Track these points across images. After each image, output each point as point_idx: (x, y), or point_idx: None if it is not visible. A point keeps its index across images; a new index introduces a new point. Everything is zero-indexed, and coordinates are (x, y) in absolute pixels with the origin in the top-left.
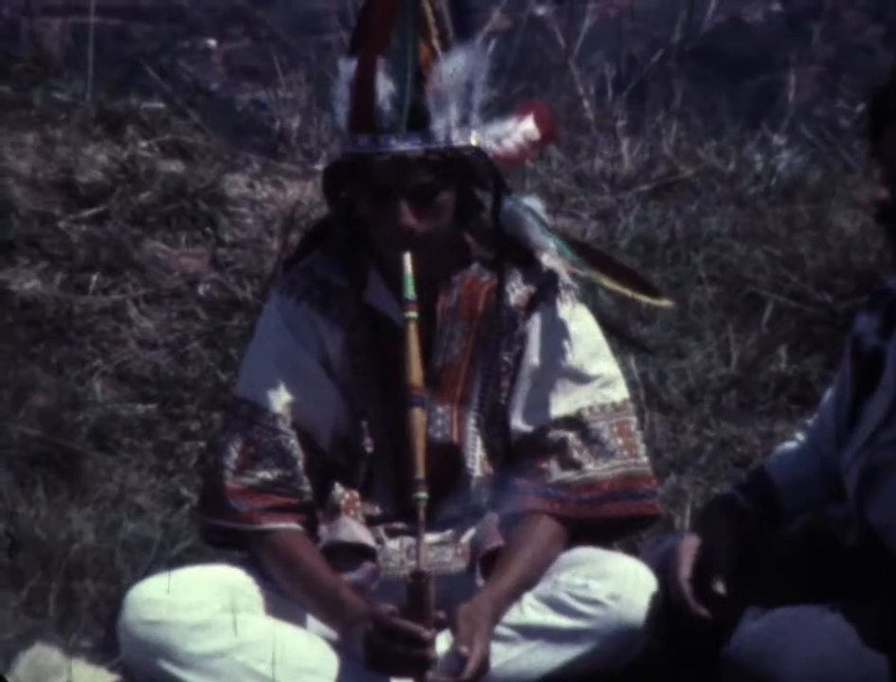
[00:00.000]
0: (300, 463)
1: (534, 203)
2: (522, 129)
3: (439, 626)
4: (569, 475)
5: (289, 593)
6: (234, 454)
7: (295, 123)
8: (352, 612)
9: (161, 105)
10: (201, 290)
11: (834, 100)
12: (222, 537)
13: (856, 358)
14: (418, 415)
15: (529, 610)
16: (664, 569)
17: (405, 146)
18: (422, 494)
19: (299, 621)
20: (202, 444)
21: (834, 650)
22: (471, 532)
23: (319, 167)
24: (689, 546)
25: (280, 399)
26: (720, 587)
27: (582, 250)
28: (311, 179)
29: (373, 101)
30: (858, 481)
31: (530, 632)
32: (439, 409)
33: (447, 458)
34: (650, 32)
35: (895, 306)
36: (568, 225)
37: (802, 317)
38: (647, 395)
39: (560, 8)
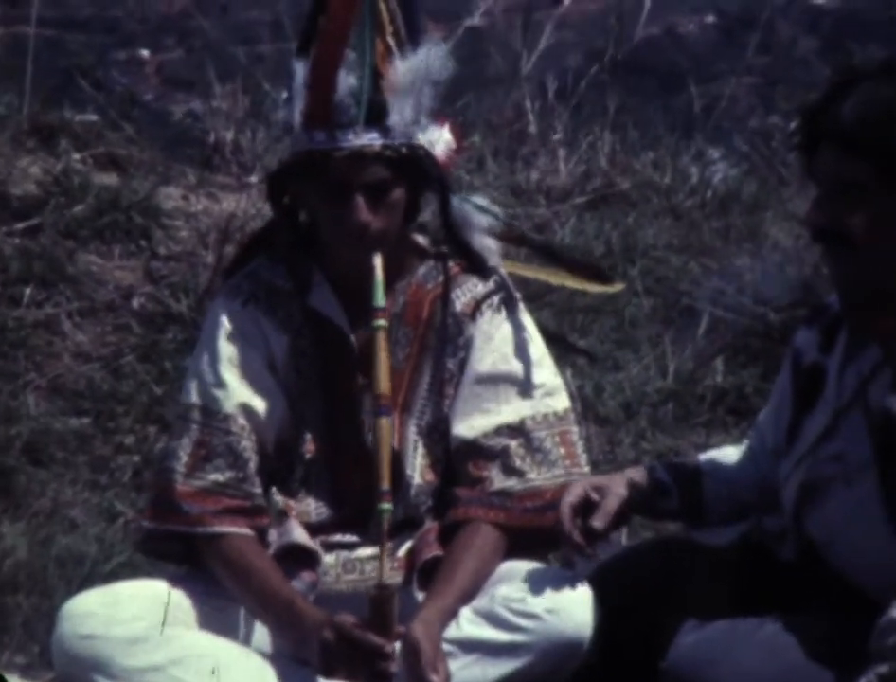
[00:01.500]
0: (252, 465)
1: (481, 200)
2: (446, 137)
3: (400, 639)
4: (512, 482)
5: (242, 601)
6: (184, 457)
7: (229, 135)
8: (310, 620)
9: (95, 117)
10: (135, 303)
11: (770, 113)
12: (164, 546)
13: (796, 373)
14: (384, 425)
15: (466, 624)
16: (601, 581)
17: (363, 140)
18: (386, 506)
19: (236, 637)
20: (136, 458)
21: (771, 663)
22: (408, 544)
23: (254, 179)
24: (589, 481)
25: (231, 400)
26: (597, 523)
27: (530, 244)
28: (245, 191)
29: (332, 96)
30: (797, 495)
31: (467, 646)
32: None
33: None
34: (587, 45)
35: (836, 323)
36: None
37: (738, 329)
38: (584, 408)
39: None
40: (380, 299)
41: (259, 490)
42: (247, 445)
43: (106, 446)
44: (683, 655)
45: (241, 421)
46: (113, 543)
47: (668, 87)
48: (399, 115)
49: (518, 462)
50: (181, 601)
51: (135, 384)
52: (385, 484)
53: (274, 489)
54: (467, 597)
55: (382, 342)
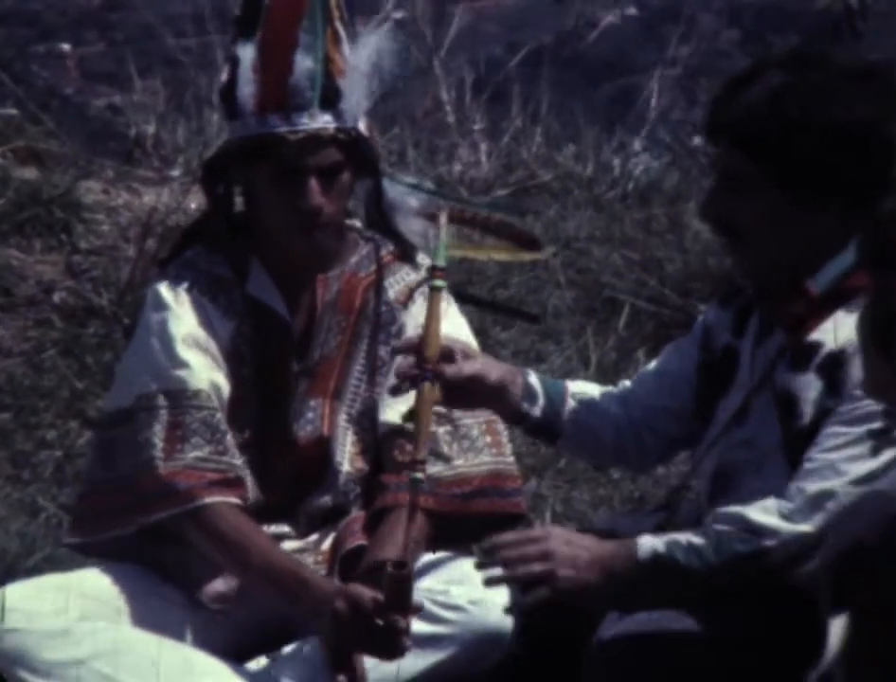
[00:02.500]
0: (228, 437)
1: (411, 178)
2: (366, 124)
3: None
4: (439, 468)
5: (241, 575)
6: (159, 443)
7: (150, 129)
8: (320, 590)
9: (14, 111)
10: (56, 297)
11: (692, 105)
12: (108, 545)
13: (706, 351)
14: (427, 390)
15: None
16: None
17: (319, 123)
18: (419, 475)
19: (162, 629)
20: (58, 453)
21: (693, 653)
22: (332, 537)
23: (175, 173)
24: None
25: (197, 376)
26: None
27: (460, 218)
28: (167, 185)
29: (287, 79)
30: (711, 482)
31: None
32: (312, 402)
33: (316, 453)
34: (510, 36)
35: (749, 306)
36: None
37: (660, 320)
38: None
39: (424, 11)
40: (441, 259)
41: (238, 461)
42: (220, 417)
43: (28, 441)
44: (605, 646)
45: (212, 395)
46: (35, 538)
47: (591, 79)
48: (352, 98)
49: (445, 448)
50: (106, 596)
51: (57, 378)
52: (422, 454)
53: None
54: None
55: (435, 304)
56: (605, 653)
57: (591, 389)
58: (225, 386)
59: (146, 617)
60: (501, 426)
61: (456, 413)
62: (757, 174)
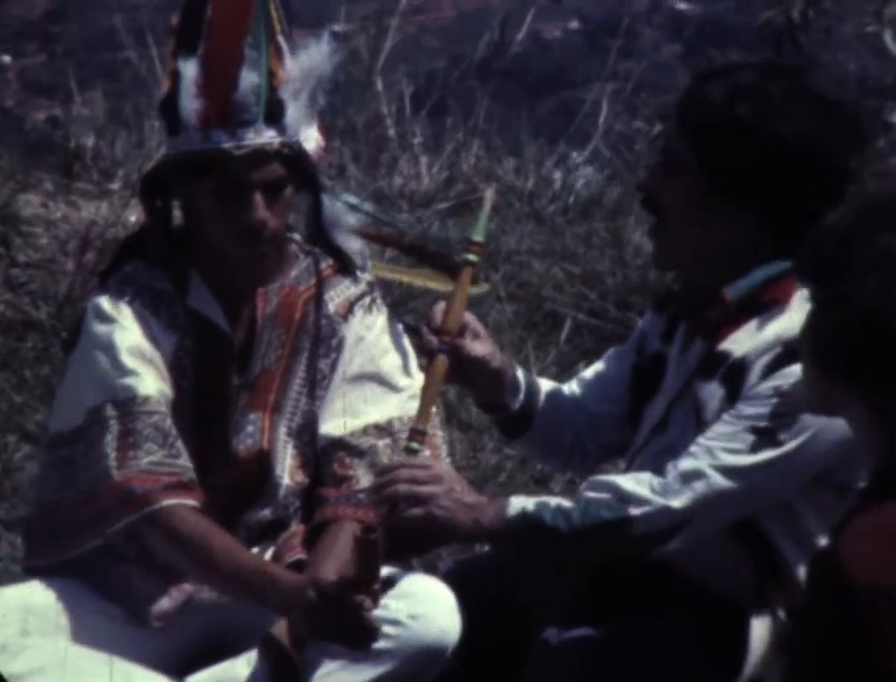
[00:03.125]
0: (179, 442)
1: (351, 198)
2: (315, 135)
3: (387, 586)
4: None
5: (205, 577)
6: (112, 453)
7: (90, 142)
8: (289, 583)
9: None
10: None
11: (633, 118)
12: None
13: (640, 356)
14: (441, 362)
15: None
16: (464, 587)
17: (264, 139)
18: (415, 445)
19: (102, 645)
20: None
21: (621, 666)
22: (272, 550)
23: (115, 186)
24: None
25: (146, 383)
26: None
27: (398, 244)
28: (106, 198)
29: (233, 94)
30: None
31: (330, 653)
32: (251, 416)
33: (256, 466)
34: (452, 50)
35: (678, 313)
36: (368, 244)
37: (600, 334)
38: (447, 414)
39: (365, 24)
40: (479, 233)
41: (190, 465)
42: (170, 422)
43: None
44: (543, 662)
45: (161, 400)
46: None
47: (533, 93)
48: (295, 112)
49: (385, 462)
50: (45, 610)
51: None
52: (423, 424)
53: None
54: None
55: (465, 277)
56: (541, 673)
57: (560, 389)
58: (169, 397)
59: (86, 632)
60: (440, 440)
61: (396, 425)
62: (689, 157)
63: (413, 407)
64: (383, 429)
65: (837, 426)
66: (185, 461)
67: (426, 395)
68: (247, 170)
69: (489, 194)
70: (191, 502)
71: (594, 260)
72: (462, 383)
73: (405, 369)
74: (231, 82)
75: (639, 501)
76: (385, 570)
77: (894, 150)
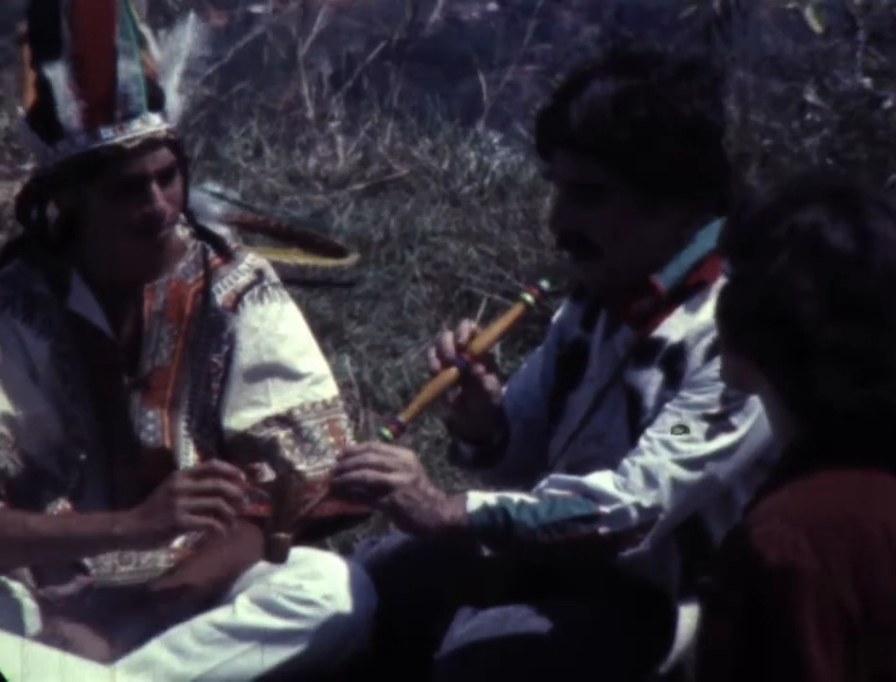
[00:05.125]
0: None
1: (215, 187)
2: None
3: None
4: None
5: (48, 555)
6: None
7: (3, 122)
8: (95, 523)
9: None
10: None
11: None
12: None
13: (559, 347)
14: (451, 373)
15: (242, 611)
16: (378, 569)
17: (152, 127)
18: (387, 432)
19: (8, 626)
20: None
21: (538, 649)
22: (183, 537)
23: (28, 167)
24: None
25: None
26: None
27: (265, 227)
28: (19, 179)
29: (114, 88)
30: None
31: (243, 634)
32: (150, 414)
33: (161, 463)
34: (371, 31)
35: (599, 301)
36: None
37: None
38: (362, 394)
39: (287, 6)
40: (545, 283)
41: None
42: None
43: None
44: (456, 644)
45: (1, 429)
46: None
47: (451, 75)
48: (173, 98)
49: (287, 453)
50: None
51: None
52: (405, 417)
53: (49, 493)
54: (212, 588)
55: (513, 313)
56: (453, 657)
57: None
58: (23, 417)
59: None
60: (344, 424)
61: (297, 414)
62: (605, 180)
63: (316, 393)
64: (283, 420)
65: None
66: None
67: (423, 396)
68: (141, 161)
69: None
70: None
71: (509, 241)
72: (458, 405)
73: (306, 354)
74: (110, 77)
75: (608, 498)
76: (301, 551)
77: (809, 132)
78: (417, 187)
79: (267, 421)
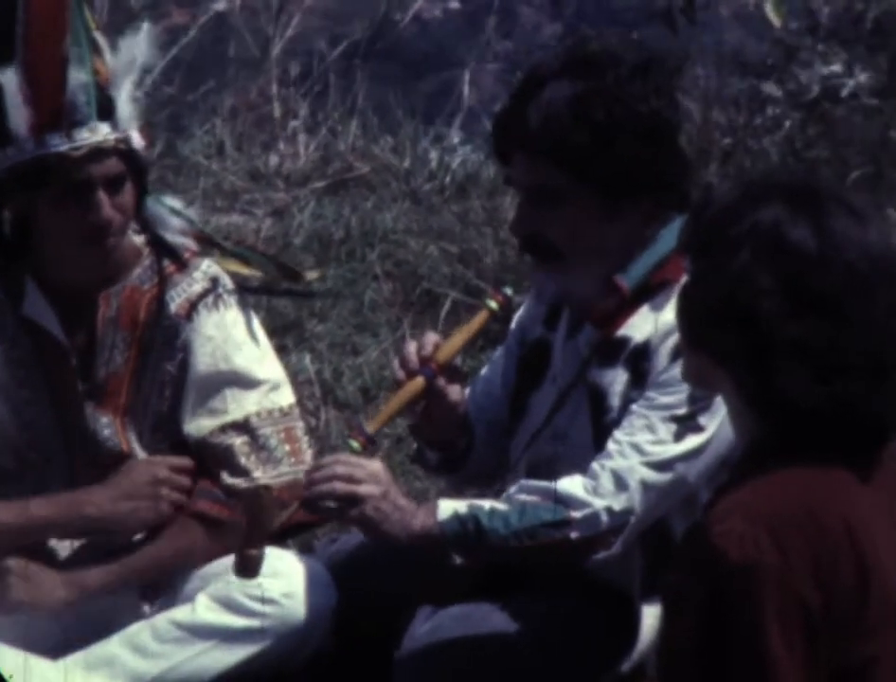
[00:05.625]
0: None
1: (175, 202)
2: (136, 136)
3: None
4: (238, 481)
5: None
6: None
7: None
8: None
9: None
10: None
11: None
12: None
13: (521, 345)
14: (417, 383)
15: (202, 609)
16: (338, 566)
17: (100, 136)
18: (355, 444)
19: None
20: None
21: (497, 646)
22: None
23: None
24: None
25: None
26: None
27: (221, 247)
28: None
29: (62, 96)
30: (527, 476)
31: (203, 632)
32: (104, 420)
33: (120, 467)
34: (334, 29)
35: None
36: (242, 223)
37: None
38: (322, 392)
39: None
40: (510, 289)
41: None
42: None
43: None
44: (416, 642)
45: None
46: None
47: (412, 72)
48: (124, 106)
49: (243, 461)
50: None
51: None
52: (371, 428)
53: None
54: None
55: (478, 319)
56: (414, 656)
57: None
58: None
59: None
60: (300, 432)
61: (254, 421)
62: (563, 184)
63: (273, 400)
64: (240, 427)
65: None
66: None
67: (390, 406)
68: (87, 169)
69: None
70: None
71: (471, 239)
72: (422, 416)
73: (263, 361)
74: (59, 84)
75: (578, 503)
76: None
77: (769, 130)
78: (378, 185)
79: (224, 428)
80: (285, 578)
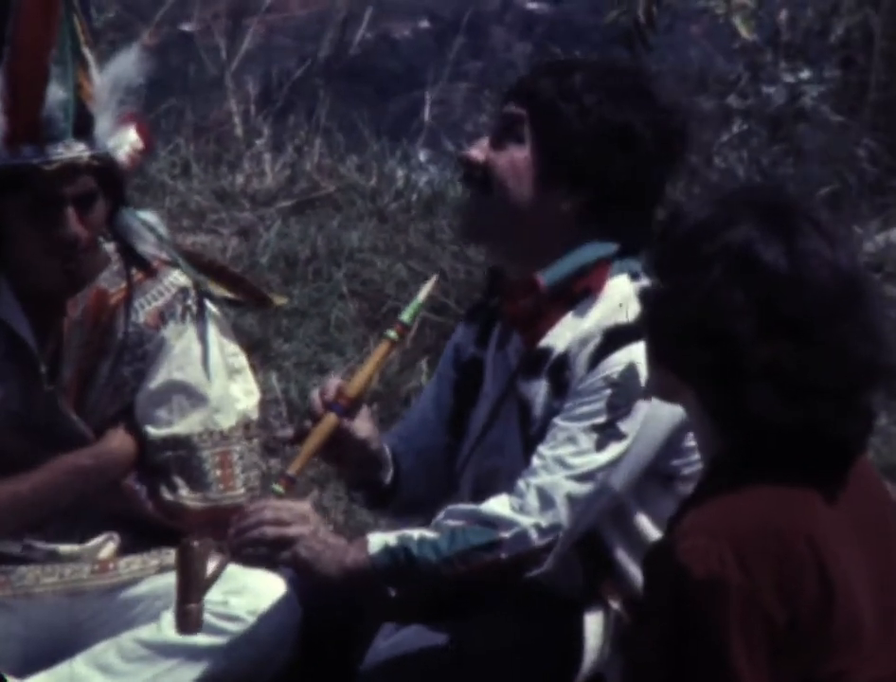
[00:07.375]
0: None
1: (150, 216)
2: (131, 139)
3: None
4: (167, 495)
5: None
6: None
7: None
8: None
9: None
10: None
11: (480, 116)
12: None
13: (457, 368)
14: (330, 419)
15: (167, 627)
16: (302, 584)
17: (73, 153)
18: (279, 488)
19: None
20: None
21: (456, 665)
22: (110, 547)
23: None
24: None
25: None
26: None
27: (196, 261)
28: None
29: (40, 111)
30: (471, 492)
31: (168, 650)
32: (73, 418)
33: None
34: (301, 49)
35: (492, 317)
36: (209, 242)
37: (443, 331)
38: (289, 411)
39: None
40: (408, 316)
41: None
42: None
43: None
44: (379, 656)
45: None
46: None
47: (381, 91)
48: (103, 124)
49: (175, 477)
50: None
51: None
52: (293, 470)
53: None
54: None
55: (380, 350)
56: (376, 670)
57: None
58: None
59: None
60: (236, 457)
61: (195, 440)
62: (524, 123)
63: (215, 421)
64: (182, 442)
65: (664, 412)
66: None
67: (307, 447)
68: (58, 184)
69: (429, 283)
70: None
71: (437, 257)
72: (331, 454)
73: (215, 380)
74: (37, 99)
75: (507, 523)
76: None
77: (734, 148)
78: (344, 204)
79: (166, 441)
80: (250, 595)
